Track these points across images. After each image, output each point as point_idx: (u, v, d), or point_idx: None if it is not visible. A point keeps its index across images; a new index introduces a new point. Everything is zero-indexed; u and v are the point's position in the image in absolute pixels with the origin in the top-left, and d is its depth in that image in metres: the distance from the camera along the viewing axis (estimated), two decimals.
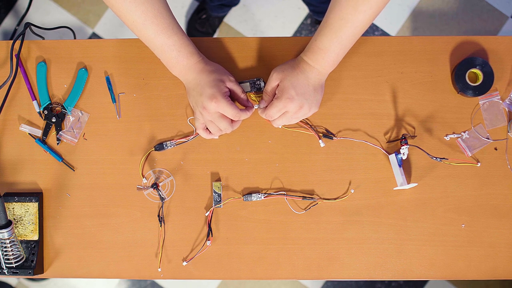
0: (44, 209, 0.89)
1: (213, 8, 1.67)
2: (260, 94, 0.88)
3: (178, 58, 0.80)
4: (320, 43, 0.77)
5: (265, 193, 0.87)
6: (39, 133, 0.89)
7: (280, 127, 0.87)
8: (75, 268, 0.88)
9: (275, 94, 0.81)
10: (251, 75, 0.89)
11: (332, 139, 0.88)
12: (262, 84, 0.88)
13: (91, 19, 1.81)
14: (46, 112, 0.89)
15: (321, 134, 0.88)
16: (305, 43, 0.89)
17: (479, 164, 0.87)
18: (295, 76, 0.79)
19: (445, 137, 0.88)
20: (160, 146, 0.87)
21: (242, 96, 0.83)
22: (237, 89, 0.82)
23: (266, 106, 0.82)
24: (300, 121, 0.87)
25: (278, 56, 0.89)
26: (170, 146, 0.88)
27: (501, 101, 0.88)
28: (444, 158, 0.86)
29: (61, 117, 0.89)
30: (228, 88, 0.81)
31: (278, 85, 0.80)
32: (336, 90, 0.89)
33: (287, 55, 0.89)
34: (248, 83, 0.88)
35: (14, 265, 0.84)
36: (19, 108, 0.90)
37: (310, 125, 0.88)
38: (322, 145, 0.87)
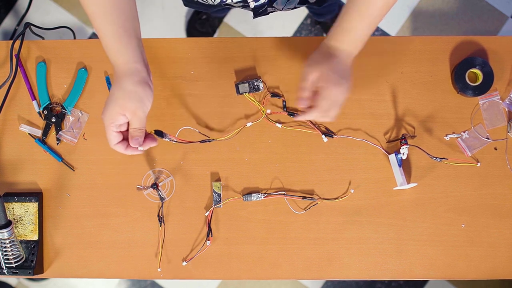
0: (44, 209, 0.89)
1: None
2: (256, 94, 0.88)
3: (116, 49, 0.72)
4: (347, 24, 0.75)
5: (265, 193, 0.87)
6: (39, 133, 0.89)
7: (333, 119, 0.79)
8: (75, 268, 0.88)
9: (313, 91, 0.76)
10: (251, 75, 0.89)
11: (333, 137, 0.88)
12: (260, 84, 0.88)
13: None
14: (46, 112, 0.89)
15: (324, 130, 0.88)
16: (305, 43, 0.89)
17: (478, 164, 0.87)
18: (333, 63, 0.75)
19: (445, 137, 0.88)
20: (159, 133, 0.81)
21: (132, 131, 0.74)
22: (132, 121, 0.73)
23: (307, 109, 0.77)
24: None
25: (278, 56, 0.89)
26: (169, 139, 0.83)
27: (501, 101, 0.88)
28: (444, 158, 0.86)
29: (61, 117, 0.89)
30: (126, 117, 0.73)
31: (317, 78, 0.76)
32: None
33: (287, 55, 0.89)
34: (246, 84, 0.88)
35: (14, 265, 0.84)
36: (19, 108, 0.90)
37: (312, 122, 0.88)
38: (325, 140, 0.87)
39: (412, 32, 1.77)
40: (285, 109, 0.88)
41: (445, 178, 0.87)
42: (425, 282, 1.76)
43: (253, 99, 0.88)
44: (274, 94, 0.88)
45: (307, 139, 0.88)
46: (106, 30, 0.72)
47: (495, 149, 0.88)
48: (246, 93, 0.88)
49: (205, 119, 0.89)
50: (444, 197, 0.87)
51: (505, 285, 1.76)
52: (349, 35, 0.75)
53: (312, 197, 0.87)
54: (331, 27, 0.77)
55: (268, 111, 0.88)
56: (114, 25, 0.72)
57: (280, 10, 0.95)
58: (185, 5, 1.05)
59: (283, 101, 0.88)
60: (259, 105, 0.88)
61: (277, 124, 0.88)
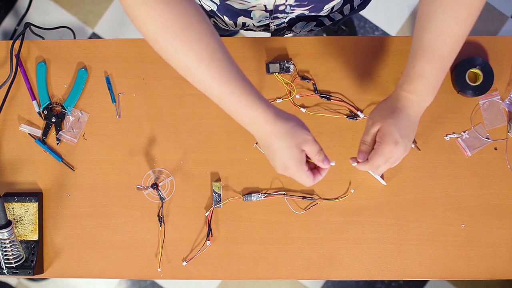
0: (44, 209, 0.89)
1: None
2: (286, 75, 0.88)
3: (241, 109, 0.67)
4: (419, 69, 0.70)
5: (265, 193, 0.87)
6: (39, 133, 0.89)
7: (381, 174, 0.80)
8: (75, 268, 0.88)
9: (375, 142, 0.75)
10: (251, 76, 0.89)
11: (356, 119, 0.88)
12: (291, 66, 0.87)
13: (91, 19, 1.81)
14: (46, 112, 0.89)
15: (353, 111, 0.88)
16: (304, 43, 0.89)
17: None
18: (396, 118, 0.72)
19: (445, 137, 0.88)
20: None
21: (316, 157, 0.70)
22: (312, 150, 0.69)
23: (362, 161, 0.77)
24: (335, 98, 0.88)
25: (278, 56, 0.89)
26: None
27: (501, 101, 0.88)
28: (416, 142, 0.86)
29: (61, 117, 0.89)
30: (304, 150, 0.70)
31: (377, 131, 0.74)
32: (336, 90, 0.89)
33: (287, 55, 0.89)
34: (278, 64, 0.88)
35: (14, 265, 0.84)
36: (19, 108, 0.90)
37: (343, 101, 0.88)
38: (362, 114, 0.86)
39: (412, 32, 1.77)
40: (316, 91, 0.88)
41: (445, 178, 0.87)
42: (425, 282, 1.76)
43: (282, 79, 0.88)
44: (304, 78, 0.88)
45: None
46: (232, 88, 0.66)
47: (495, 149, 0.88)
48: (276, 73, 0.88)
49: (206, 119, 0.89)
50: (444, 197, 0.87)
51: (505, 285, 1.76)
52: (421, 81, 0.70)
53: (312, 197, 0.87)
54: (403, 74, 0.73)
55: (297, 96, 0.88)
56: (233, 81, 0.66)
57: (297, 34, 0.95)
58: None
59: (313, 84, 0.88)
60: (287, 86, 0.88)
61: (301, 109, 0.88)
